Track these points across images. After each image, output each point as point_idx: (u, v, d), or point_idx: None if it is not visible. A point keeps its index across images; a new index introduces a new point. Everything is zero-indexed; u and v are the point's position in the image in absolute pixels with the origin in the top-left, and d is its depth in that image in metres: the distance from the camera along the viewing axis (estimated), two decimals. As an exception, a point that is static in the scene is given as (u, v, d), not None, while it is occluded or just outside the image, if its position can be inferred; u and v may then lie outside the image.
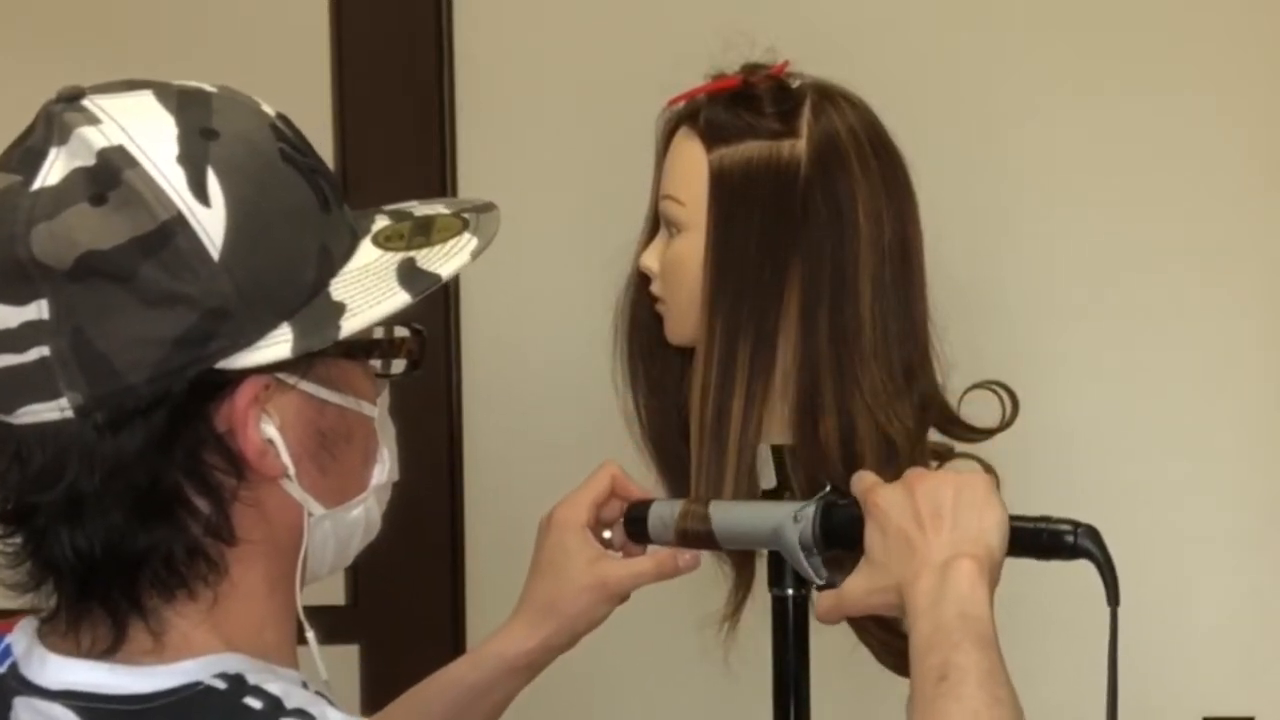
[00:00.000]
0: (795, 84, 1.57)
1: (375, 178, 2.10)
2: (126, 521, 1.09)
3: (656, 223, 1.62)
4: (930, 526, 1.35)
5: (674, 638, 1.99)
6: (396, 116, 2.15)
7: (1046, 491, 2.01)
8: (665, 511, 1.57)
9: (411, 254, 1.16)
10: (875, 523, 1.39)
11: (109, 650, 1.12)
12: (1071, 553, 1.37)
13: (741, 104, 1.56)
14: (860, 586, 1.40)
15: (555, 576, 1.58)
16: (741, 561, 1.66)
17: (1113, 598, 1.35)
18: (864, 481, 1.43)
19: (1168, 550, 2.03)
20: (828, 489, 1.48)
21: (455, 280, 2.14)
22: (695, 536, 1.55)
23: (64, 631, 1.13)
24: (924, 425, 1.56)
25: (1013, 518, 1.38)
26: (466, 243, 1.18)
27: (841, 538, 1.46)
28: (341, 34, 2.15)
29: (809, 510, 1.47)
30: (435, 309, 2.12)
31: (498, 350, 2.15)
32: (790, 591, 1.60)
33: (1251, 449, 2.06)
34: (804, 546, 1.47)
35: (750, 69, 1.58)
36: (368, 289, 1.14)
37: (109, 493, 1.08)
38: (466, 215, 1.21)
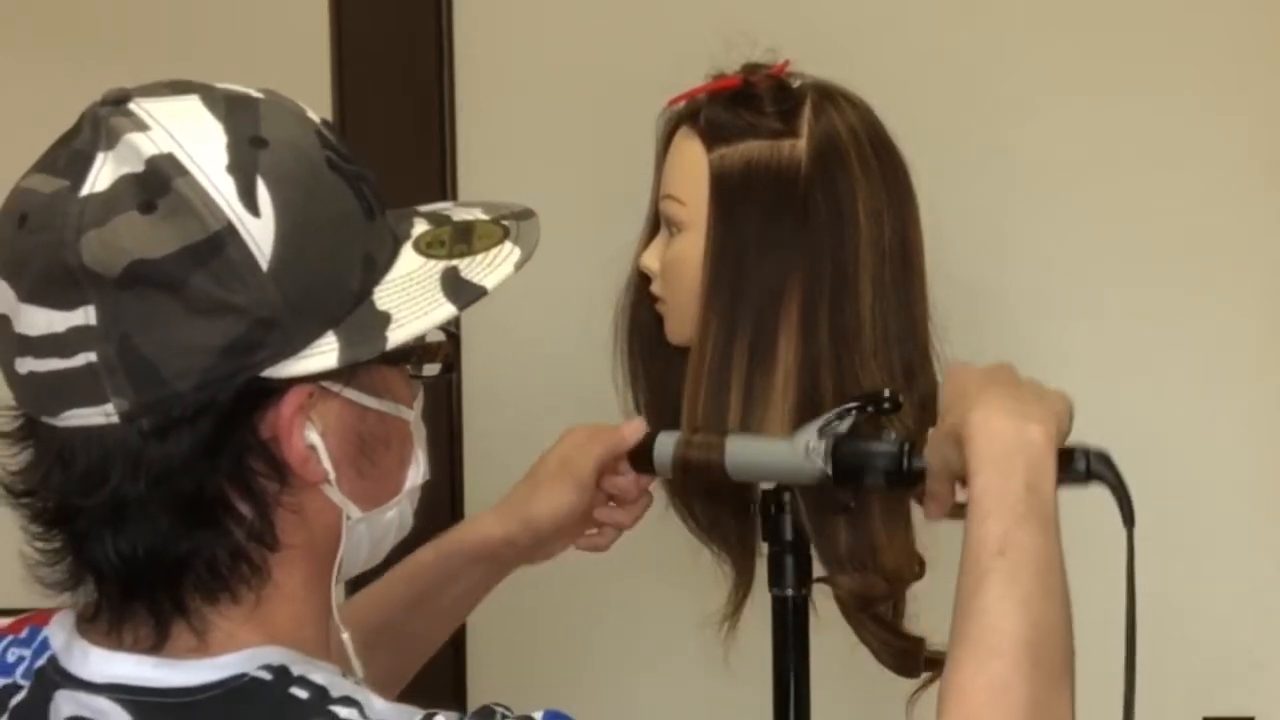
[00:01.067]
0: (796, 84, 1.57)
1: (375, 177, 2.10)
2: (171, 526, 1.10)
3: (657, 222, 1.62)
4: (1008, 387, 1.35)
5: (674, 638, 2.00)
6: (396, 116, 2.15)
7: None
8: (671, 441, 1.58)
9: (454, 263, 1.17)
10: (948, 387, 1.40)
11: (153, 647, 1.13)
12: (1085, 477, 1.38)
13: (742, 104, 1.56)
14: (934, 442, 1.41)
15: (531, 473, 1.62)
16: (742, 561, 1.67)
17: (1128, 519, 1.35)
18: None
19: (1168, 550, 2.02)
20: (847, 407, 1.49)
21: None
22: (702, 467, 1.54)
23: (106, 630, 1.14)
24: (924, 425, 1.56)
25: None
26: (509, 253, 1.19)
27: (851, 471, 1.47)
28: (341, 34, 2.15)
29: (820, 446, 1.48)
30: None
31: (498, 350, 2.15)
32: (790, 591, 1.60)
33: (1252, 448, 2.06)
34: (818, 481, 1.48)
35: (751, 69, 1.59)
36: (413, 299, 1.14)
37: (153, 498, 1.09)
38: (506, 223, 1.22)
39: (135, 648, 1.13)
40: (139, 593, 1.12)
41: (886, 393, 1.49)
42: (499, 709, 1.11)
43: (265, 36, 2.16)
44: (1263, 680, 2.07)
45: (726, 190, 1.55)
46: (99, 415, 1.09)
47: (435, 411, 2.11)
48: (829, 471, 1.48)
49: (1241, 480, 2.06)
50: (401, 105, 2.14)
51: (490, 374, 2.16)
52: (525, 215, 1.24)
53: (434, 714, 1.11)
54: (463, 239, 1.19)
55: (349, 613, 1.47)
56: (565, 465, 1.61)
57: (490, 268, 1.17)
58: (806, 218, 1.54)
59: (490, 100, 2.15)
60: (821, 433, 1.48)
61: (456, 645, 2.13)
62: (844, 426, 1.48)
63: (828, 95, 1.57)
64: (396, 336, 1.13)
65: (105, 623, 1.14)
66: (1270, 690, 2.07)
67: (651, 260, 1.61)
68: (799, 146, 1.54)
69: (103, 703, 1.12)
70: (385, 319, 1.13)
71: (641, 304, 1.65)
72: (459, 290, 1.15)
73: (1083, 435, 2.11)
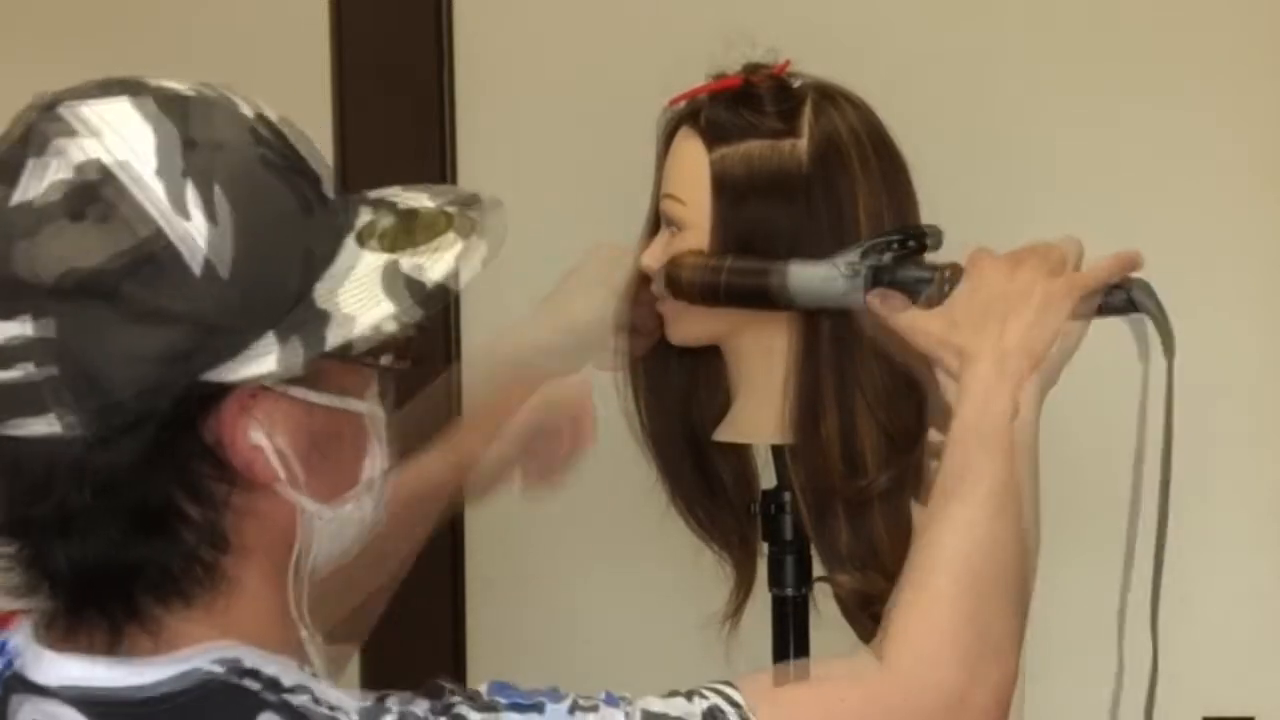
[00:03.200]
0: (796, 84, 1.57)
1: (375, 177, 2.09)
2: (121, 534, 1.10)
3: (657, 222, 1.62)
4: (1012, 314, 1.39)
5: (674, 638, 2.00)
6: (396, 116, 2.15)
7: (1047, 490, 2.01)
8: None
9: (396, 257, 1.15)
10: (968, 284, 1.43)
11: (108, 649, 1.12)
12: (1127, 308, 1.44)
13: (743, 103, 1.56)
14: (927, 325, 1.44)
15: (566, 287, 1.65)
16: (742, 561, 1.67)
17: (1169, 350, 1.43)
18: (977, 247, 1.46)
19: (1168, 549, 2.03)
20: (888, 239, 1.50)
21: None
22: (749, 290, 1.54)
23: (63, 634, 1.14)
24: (924, 423, 1.56)
25: None
26: (451, 244, 1.16)
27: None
28: (341, 34, 2.15)
29: (862, 267, 1.49)
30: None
31: (498, 350, 2.14)
32: (790, 591, 1.60)
33: (1251, 448, 2.06)
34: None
35: (751, 69, 1.58)
36: (354, 296, 1.13)
37: (101, 507, 1.09)
38: (450, 210, 1.19)
39: (90, 650, 1.12)
40: (92, 598, 1.12)
41: (926, 228, 1.52)
42: (447, 686, 1.13)
43: (265, 36, 2.16)
44: (1263, 680, 2.08)
45: (727, 190, 1.54)
46: (43, 425, 1.08)
47: (435, 412, 2.12)
48: (868, 285, 1.49)
49: (1241, 480, 2.06)
50: (401, 105, 2.15)
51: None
52: (471, 202, 1.21)
53: (386, 695, 1.12)
54: (406, 230, 1.17)
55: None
56: (601, 276, 1.61)
57: (433, 261, 1.15)
58: (807, 217, 1.54)
59: (490, 100, 2.15)
60: (864, 255, 1.49)
61: (456, 645, 2.13)
62: (885, 257, 1.50)
63: (828, 95, 1.57)
64: (335, 337, 1.11)
65: (62, 627, 1.14)
66: (1270, 690, 2.07)
67: (652, 260, 1.61)
68: (799, 146, 1.54)
69: (57, 706, 1.11)
70: (325, 317, 1.11)
71: (642, 303, 1.65)
72: (398, 287, 1.13)
73: (1083, 434, 2.11)
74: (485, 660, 2.13)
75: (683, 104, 1.60)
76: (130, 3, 2.19)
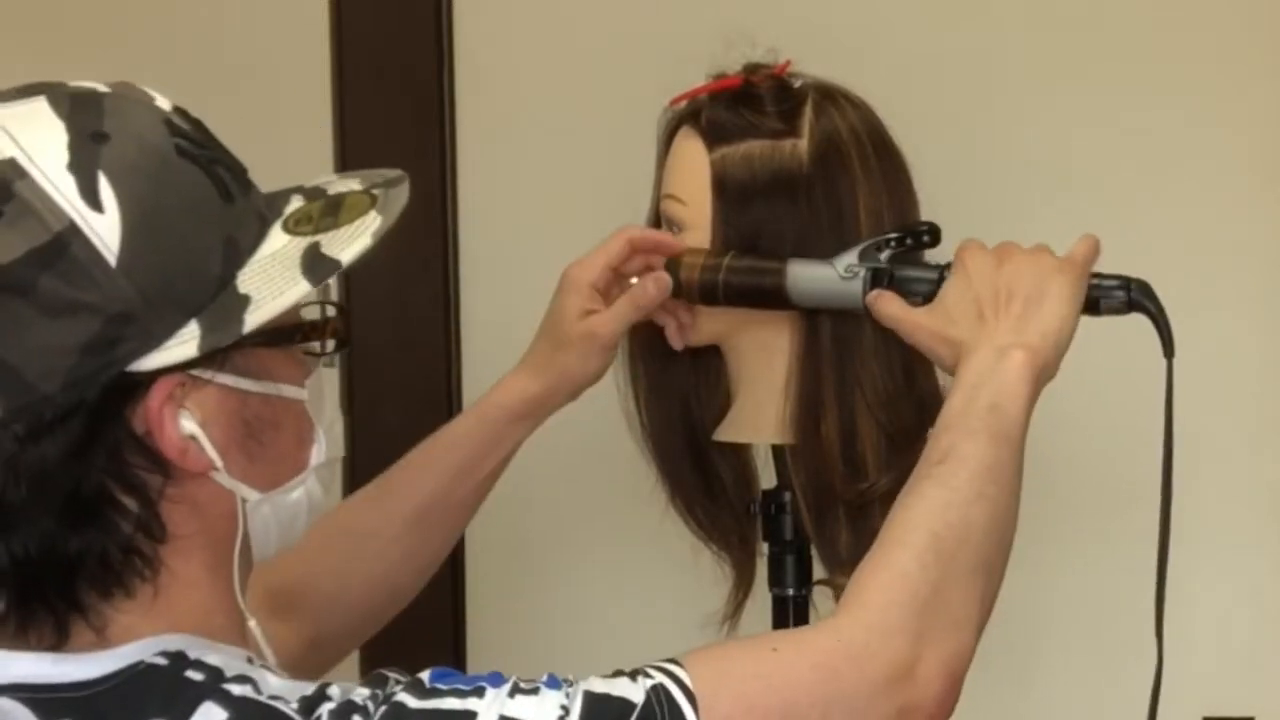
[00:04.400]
0: (797, 84, 1.57)
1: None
2: (57, 527, 1.11)
3: (658, 222, 1.62)
4: (1004, 306, 1.41)
5: (674, 638, 2.00)
6: (396, 116, 2.15)
7: (1048, 490, 2.01)
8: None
9: (317, 238, 1.16)
10: (959, 279, 1.44)
11: (54, 645, 1.14)
12: (1126, 308, 1.46)
13: (743, 103, 1.56)
14: (924, 322, 1.46)
15: (553, 331, 1.59)
16: (742, 561, 1.67)
17: (1168, 350, 1.44)
18: (964, 240, 1.47)
19: (1158, 545, 2.03)
20: (886, 237, 1.50)
21: (455, 279, 2.15)
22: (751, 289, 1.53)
23: (13, 632, 1.15)
24: (924, 424, 1.56)
25: None
26: (370, 222, 1.17)
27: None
28: (341, 34, 2.15)
29: (861, 269, 1.49)
30: (435, 308, 2.13)
31: (498, 349, 2.14)
32: (790, 591, 1.60)
33: (1251, 448, 2.06)
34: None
35: (752, 69, 1.59)
36: (272, 279, 1.14)
37: (35, 500, 1.10)
38: (376, 191, 1.20)
39: (38, 646, 1.14)
40: (35, 593, 1.13)
41: (924, 225, 1.52)
42: (391, 675, 1.14)
43: (265, 36, 2.16)
44: (1263, 680, 2.07)
45: (728, 190, 1.55)
46: None
47: (435, 411, 2.13)
48: (867, 288, 1.49)
49: (1241, 479, 2.06)
50: (401, 105, 2.14)
51: (490, 374, 2.15)
52: (396, 181, 1.22)
53: (328, 684, 1.12)
54: (330, 213, 1.18)
55: (397, 485, 1.54)
56: (590, 334, 1.57)
57: (350, 240, 1.16)
58: (808, 217, 1.54)
59: (490, 100, 2.15)
60: (862, 256, 1.50)
61: (457, 646, 2.13)
62: (883, 256, 1.50)
63: (829, 95, 1.57)
64: (254, 319, 1.12)
65: (12, 625, 1.15)
66: (1270, 690, 2.07)
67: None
68: (800, 146, 1.54)
69: (6, 703, 1.12)
70: (244, 302, 1.12)
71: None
72: (316, 266, 1.14)
73: (1083, 434, 2.12)
74: (485, 660, 2.13)
75: (683, 104, 1.60)
76: (130, 2, 2.19)
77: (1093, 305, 1.47)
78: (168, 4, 2.19)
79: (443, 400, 2.14)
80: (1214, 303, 2.04)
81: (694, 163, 1.56)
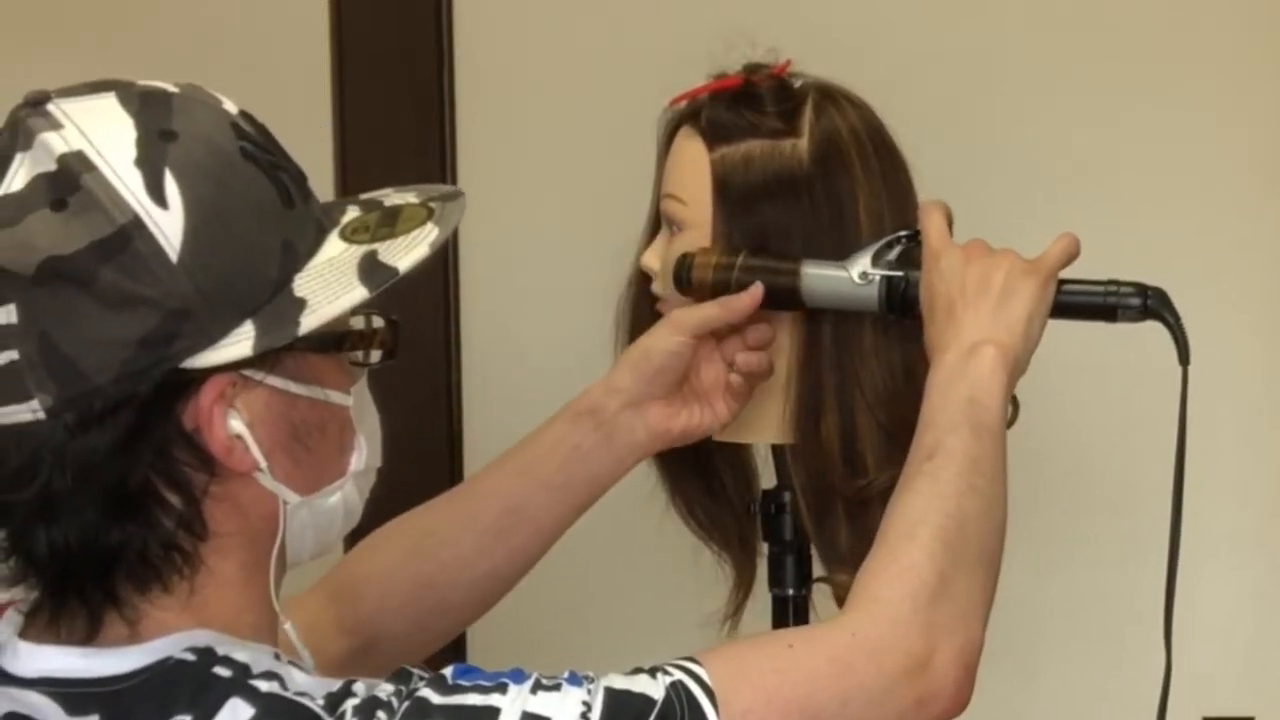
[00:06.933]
0: (797, 83, 1.57)
1: (375, 177, 2.09)
2: (100, 518, 1.11)
3: (658, 222, 1.62)
4: (973, 303, 1.41)
5: (675, 638, 2.00)
6: (396, 116, 2.15)
7: (1048, 490, 2.02)
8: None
9: (374, 246, 1.17)
10: (929, 278, 1.45)
11: (85, 639, 1.14)
12: (1142, 316, 1.46)
13: (743, 103, 1.56)
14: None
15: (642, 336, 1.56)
16: (742, 561, 1.67)
17: (1183, 357, 1.44)
18: (931, 223, 1.47)
19: (1168, 549, 2.03)
20: (894, 236, 1.50)
21: (455, 279, 2.15)
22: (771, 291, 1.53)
23: (46, 624, 1.15)
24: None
25: (1079, 282, 1.46)
26: (428, 233, 1.18)
27: (904, 297, 1.49)
28: (341, 34, 2.15)
29: (875, 274, 1.49)
30: (435, 308, 2.13)
31: (498, 350, 2.15)
32: (790, 591, 1.60)
33: (1251, 448, 2.06)
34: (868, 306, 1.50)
35: (752, 68, 1.59)
36: (329, 284, 1.14)
37: (81, 491, 1.10)
38: (433, 204, 1.21)
39: (68, 640, 1.14)
40: (72, 585, 1.13)
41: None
42: (414, 671, 1.14)
43: (265, 36, 2.16)
44: (1263, 680, 2.08)
45: (728, 190, 1.55)
46: (26, 412, 1.10)
47: (435, 411, 2.13)
48: (882, 294, 1.49)
49: (1241, 479, 2.06)
50: (401, 105, 2.15)
51: (490, 374, 2.16)
52: (453, 196, 1.23)
53: (352, 681, 1.12)
54: (387, 223, 1.19)
55: (487, 484, 1.52)
56: (669, 319, 1.54)
57: (407, 249, 1.17)
58: (808, 217, 1.54)
59: (490, 100, 2.15)
60: (875, 260, 1.50)
61: (457, 645, 2.13)
62: (893, 255, 1.50)
63: (829, 95, 1.57)
64: (309, 322, 1.13)
65: (45, 617, 1.16)
66: (1270, 690, 2.07)
67: (652, 260, 1.61)
68: (800, 146, 1.54)
69: (34, 697, 1.13)
70: (300, 305, 1.13)
71: (642, 303, 1.65)
72: (373, 273, 1.15)
73: (1083, 434, 2.12)
74: (486, 660, 2.13)
75: (683, 104, 1.60)
76: (130, 2, 2.19)
77: (1109, 313, 1.47)
78: (168, 3, 2.19)
79: (443, 400, 2.14)
80: (1215, 302, 2.04)
81: (694, 162, 1.56)
